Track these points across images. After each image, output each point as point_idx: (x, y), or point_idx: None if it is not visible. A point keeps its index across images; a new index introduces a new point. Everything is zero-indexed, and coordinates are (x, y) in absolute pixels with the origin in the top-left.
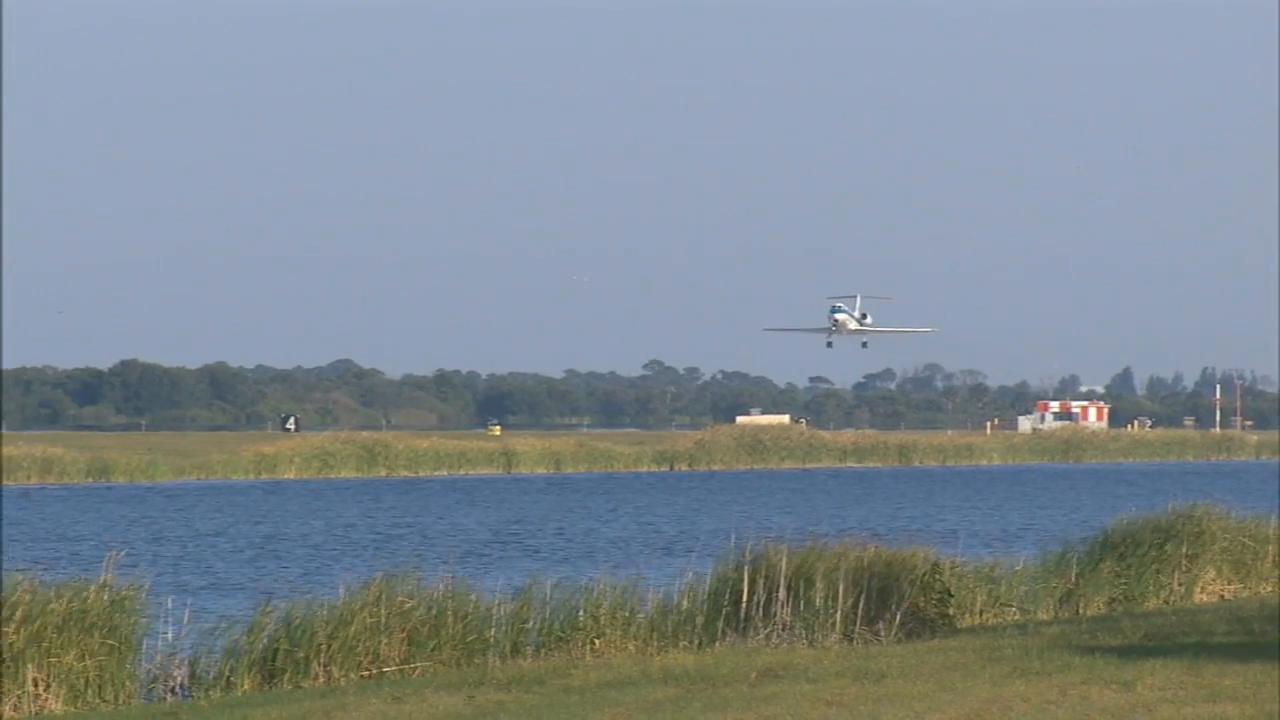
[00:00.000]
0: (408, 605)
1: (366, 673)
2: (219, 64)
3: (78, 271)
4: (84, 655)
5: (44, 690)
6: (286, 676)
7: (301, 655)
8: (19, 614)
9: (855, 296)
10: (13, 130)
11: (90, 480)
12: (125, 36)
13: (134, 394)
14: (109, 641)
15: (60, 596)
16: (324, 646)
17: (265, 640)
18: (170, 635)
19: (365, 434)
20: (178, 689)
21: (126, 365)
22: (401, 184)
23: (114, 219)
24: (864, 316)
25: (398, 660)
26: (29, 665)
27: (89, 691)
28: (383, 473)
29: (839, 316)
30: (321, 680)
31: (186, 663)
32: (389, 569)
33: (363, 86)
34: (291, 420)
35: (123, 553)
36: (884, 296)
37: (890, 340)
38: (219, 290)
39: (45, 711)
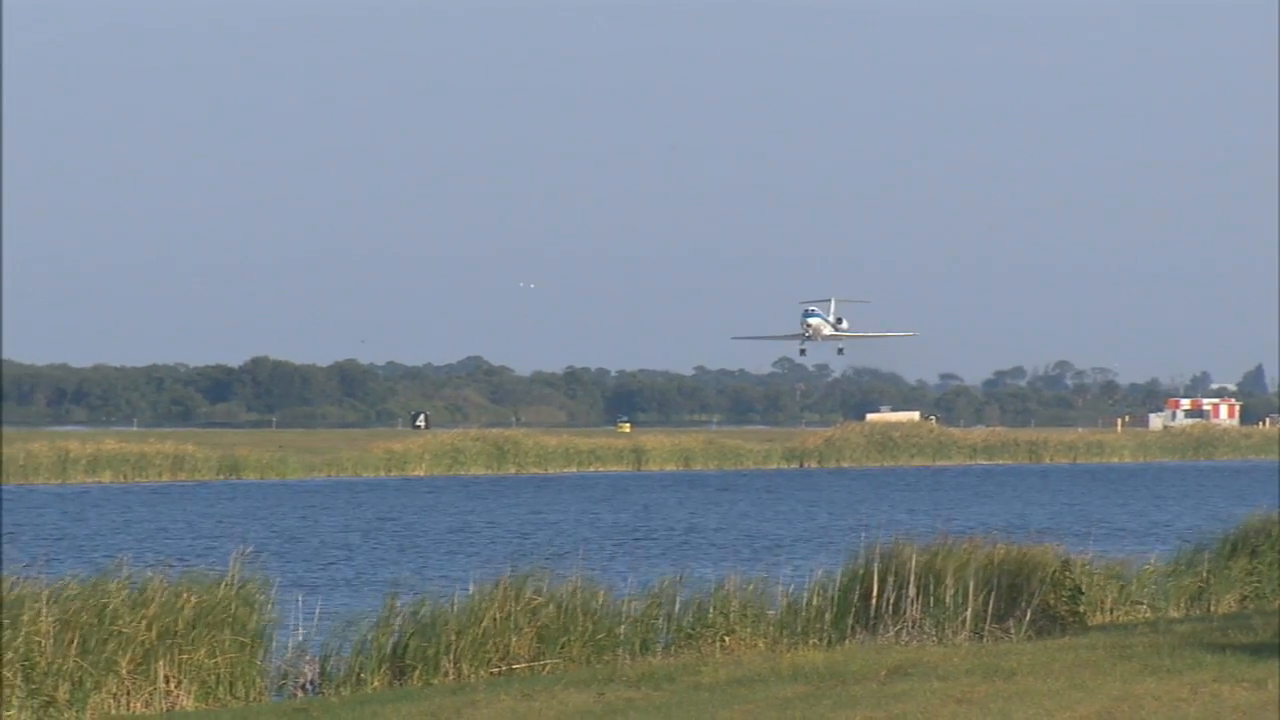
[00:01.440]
0: (537, 602)
1: (496, 669)
2: (341, 58)
3: (211, 270)
4: (215, 652)
5: (175, 687)
6: (416, 673)
7: (431, 652)
8: (151, 610)
9: (829, 300)
10: (141, 132)
11: (221, 477)
12: (224, 36)
13: (265, 391)
14: (239, 638)
15: (191, 593)
16: (454, 643)
17: (395, 637)
18: (300, 632)
19: (495, 431)
20: (308, 686)
21: (257, 362)
22: (533, 181)
23: (245, 218)
24: (839, 321)
25: (527, 657)
26: (160, 662)
27: (220, 688)
28: (512, 470)
29: (812, 321)
30: (451, 677)
31: (317, 659)
32: (519, 566)
33: (480, 83)
34: (421, 417)
35: (250, 549)
36: (861, 299)
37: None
38: (350, 287)
39: (177, 708)
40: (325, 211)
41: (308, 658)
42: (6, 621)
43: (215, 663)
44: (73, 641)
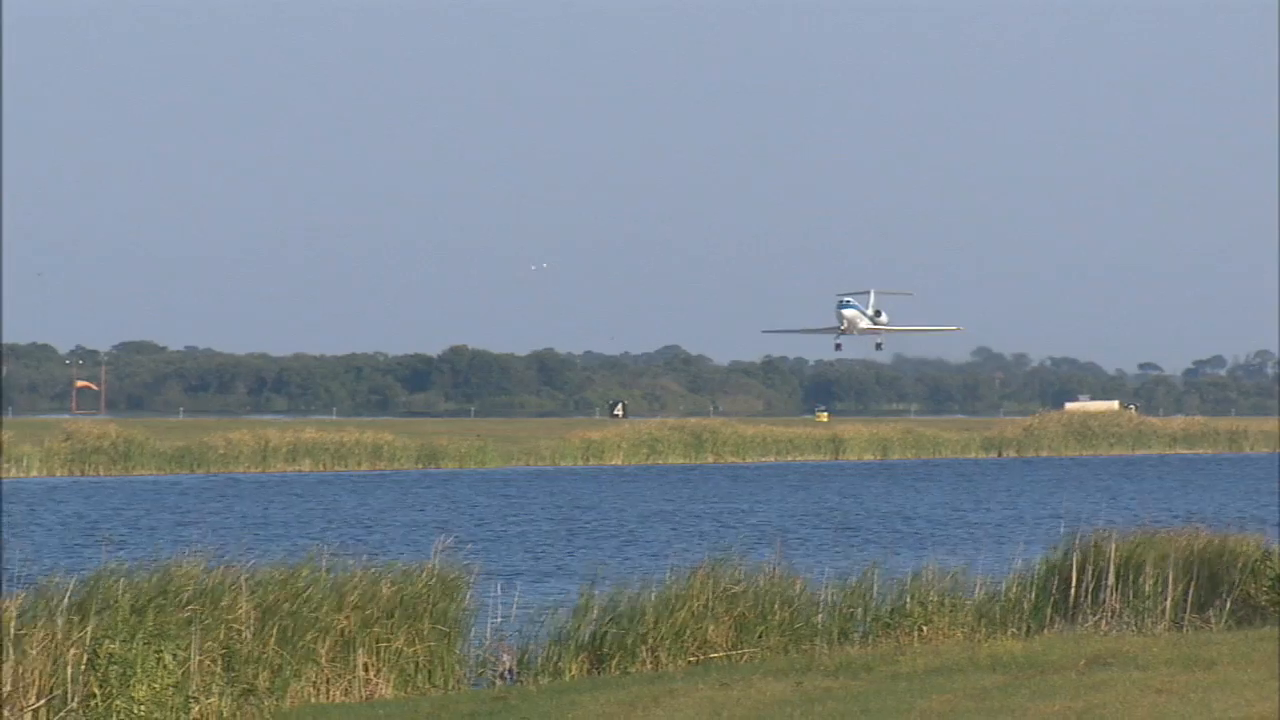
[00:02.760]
0: (734, 591)
1: (694, 659)
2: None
3: (410, 259)
4: (414, 640)
5: (374, 675)
6: (614, 662)
7: (629, 641)
8: (351, 599)
9: (869, 292)
10: (331, 120)
11: (420, 466)
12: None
13: (463, 380)
14: (438, 627)
15: (391, 581)
16: (651, 632)
17: (592, 626)
18: (498, 620)
19: (693, 420)
20: (506, 674)
21: (456, 352)
22: (731, 175)
23: (443, 207)
24: (878, 314)
25: (725, 646)
26: (359, 650)
27: (418, 676)
28: (709, 459)
29: (846, 313)
30: (649, 666)
31: (515, 648)
32: (716, 554)
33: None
34: (619, 406)
35: (450, 538)
36: (903, 291)
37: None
38: (548, 277)
39: (376, 697)
40: (524, 200)
41: (506, 646)
42: (206, 608)
43: (414, 651)
44: (272, 630)
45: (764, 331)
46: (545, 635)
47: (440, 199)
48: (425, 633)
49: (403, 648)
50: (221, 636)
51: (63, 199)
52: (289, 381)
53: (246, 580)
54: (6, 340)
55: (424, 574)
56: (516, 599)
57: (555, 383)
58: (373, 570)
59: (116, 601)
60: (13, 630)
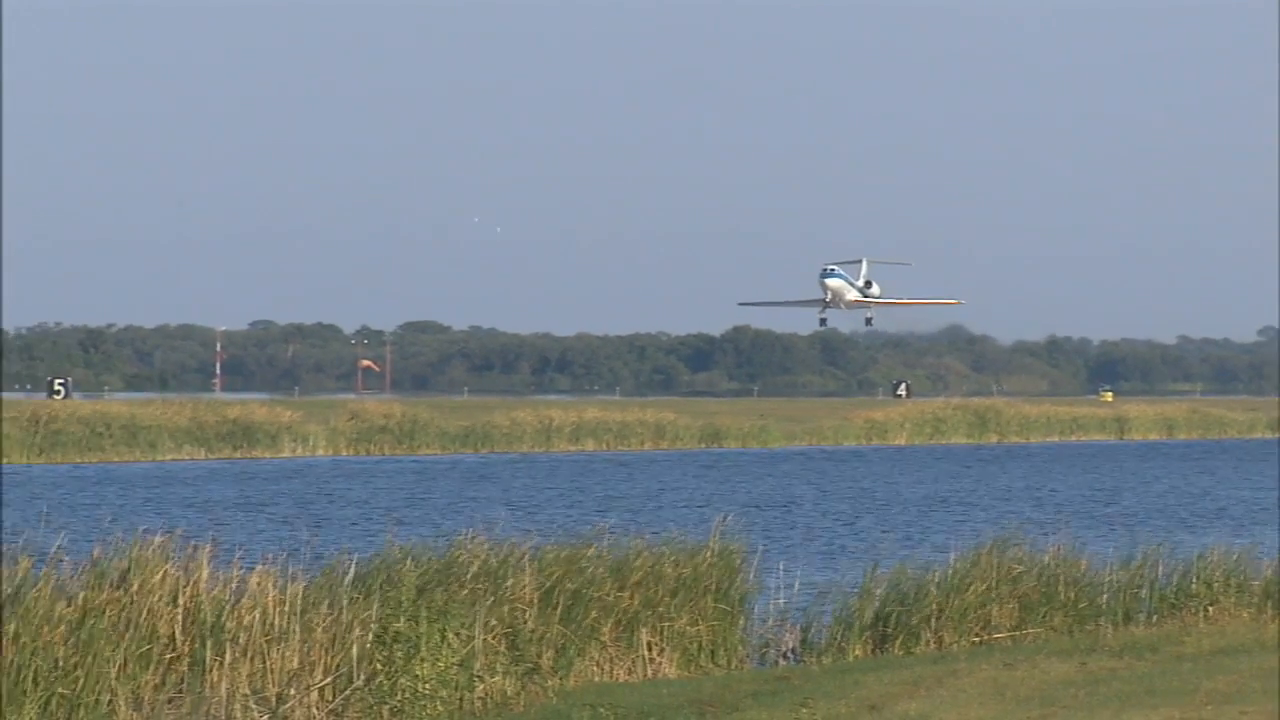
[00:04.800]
0: (1018, 571)
1: (977, 639)
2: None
3: (692, 239)
4: (696, 619)
5: (658, 654)
6: (898, 642)
7: (913, 621)
8: (634, 578)
9: (860, 261)
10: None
11: (702, 446)
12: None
13: (746, 360)
14: (721, 606)
15: (673, 560)
16: (935, 612)
17: (876, 605)
18: (781, 599)
19: (976, 400)
20: (789, 654)
21: (739, 331)
22: (1020, 143)
23: (725, 187)
24: (868, 285)
25: (1009, 627)
26: (643, 629)
27: (701, 656)
28: (993, 438)
29: (830, 283)
30: (932, 646)
31: (798, 627)
32: (1000, 534)
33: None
34: (903, 386)
35: (728, 516)
36: (902, 261)
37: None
38: (831, 254)
39: (659, 676)
40: (803, 180)
41: (789, 626)
42: (489, 589)
43: (697, 630)
44: (556, 609)
45: (740, 304)
46: (828, 615)
47: (725, 179)
48: (708, 612)
49: (686, 627)
50: (505, 615)
51: (350, 177)
52: (572, 361)
53: (530, 559)
54: (294, 319)
55: (706, 552)
56: (799, 578)
57: (838, 362)
58: (655, 549)
59: (402, 580)
60: (299, 608)
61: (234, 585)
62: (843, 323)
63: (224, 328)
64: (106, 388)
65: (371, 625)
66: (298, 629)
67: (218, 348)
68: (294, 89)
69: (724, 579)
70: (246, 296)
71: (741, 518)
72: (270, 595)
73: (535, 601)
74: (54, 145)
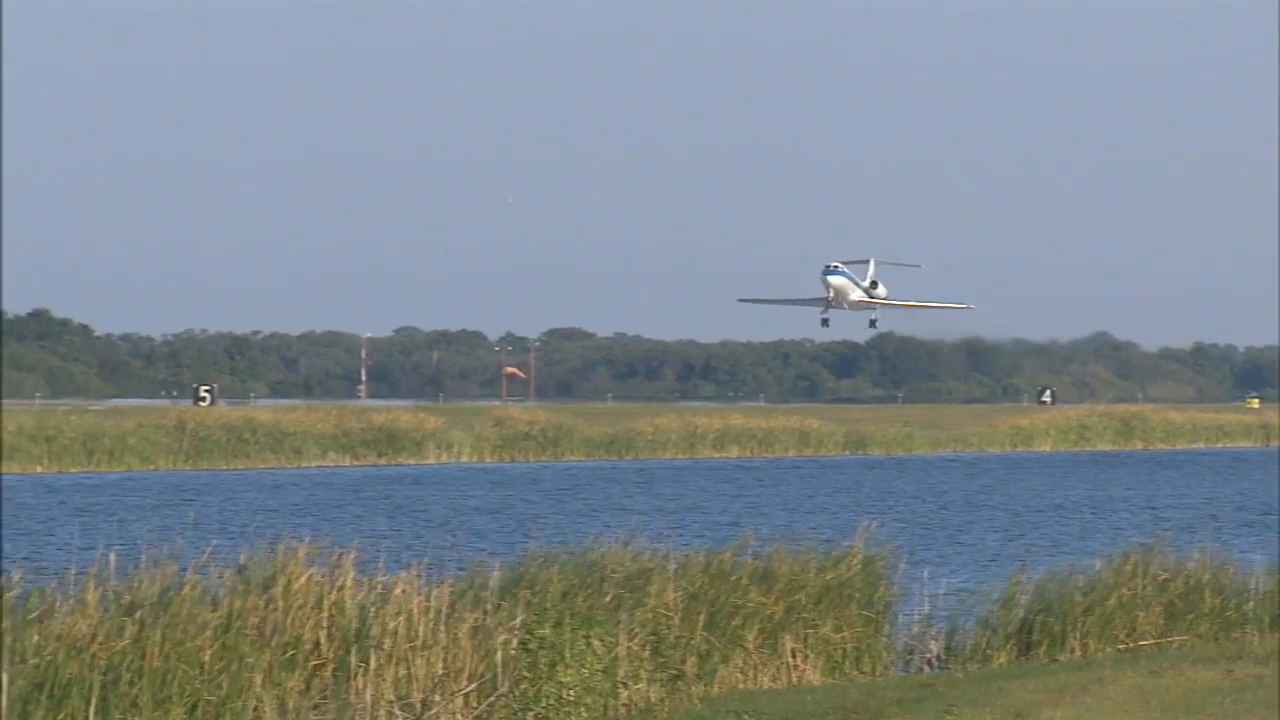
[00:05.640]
0: (1164, 578)
1: (1122, 646)
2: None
3: (829, 247)
4: (841, 626)
5: (802, 661)
6: (1042, 649)
7: (1058, 628)
8: (778, 585)
9: (868, 261)
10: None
11: (846, 453)
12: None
13: (891, 366)
14: (865, 613)
15: (817, 567)
16: (1081, 619)
17: (1020, 612)
18: (925, 606)
19: (1121, 407)
20: (933, 661)
21: (884, 338)
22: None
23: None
24: (874, 285)
25: (1154, 634)
26: (786, 636)
27: (845, 662)
28: (1139, 446)
29: (833, 281)
30: (1077, 653)
31: (942, 634)
32: (1146, 541)
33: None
34: (1048, 393)
35: (876, 523)
36: (911, 264)
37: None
38: (978, 260)
39: (803, 682)
40: (929, 194)
41: (933, 632)
42: (633, 595)
43: (841, 637)
44: (700, 616)
45: (740, 300)
46: (973, 622)
47: (860, 189)
48: (852, 619)
49: (829, 634)
50: (649, 622)
51: (497, 184)
52: (717, 368)
53: (674, 566)
54: (439, 326)
55: (850, 559)
56: (943, 585)
57: (983, 369)
58: (800, 555)
59: (546, 587)
60: (443, 614)
61: (378, 591)
62: (846, 324)
63: (369, 334)
64: (252, 394)
65: (516, 631)
66: (443, 635)
67: (363, 354)
68: (444, 92)
69: (868, 585)
70: (392, 303)
71: (886, 524)
72: (415, 601)
73: (679, 608)
74: (203, 152)
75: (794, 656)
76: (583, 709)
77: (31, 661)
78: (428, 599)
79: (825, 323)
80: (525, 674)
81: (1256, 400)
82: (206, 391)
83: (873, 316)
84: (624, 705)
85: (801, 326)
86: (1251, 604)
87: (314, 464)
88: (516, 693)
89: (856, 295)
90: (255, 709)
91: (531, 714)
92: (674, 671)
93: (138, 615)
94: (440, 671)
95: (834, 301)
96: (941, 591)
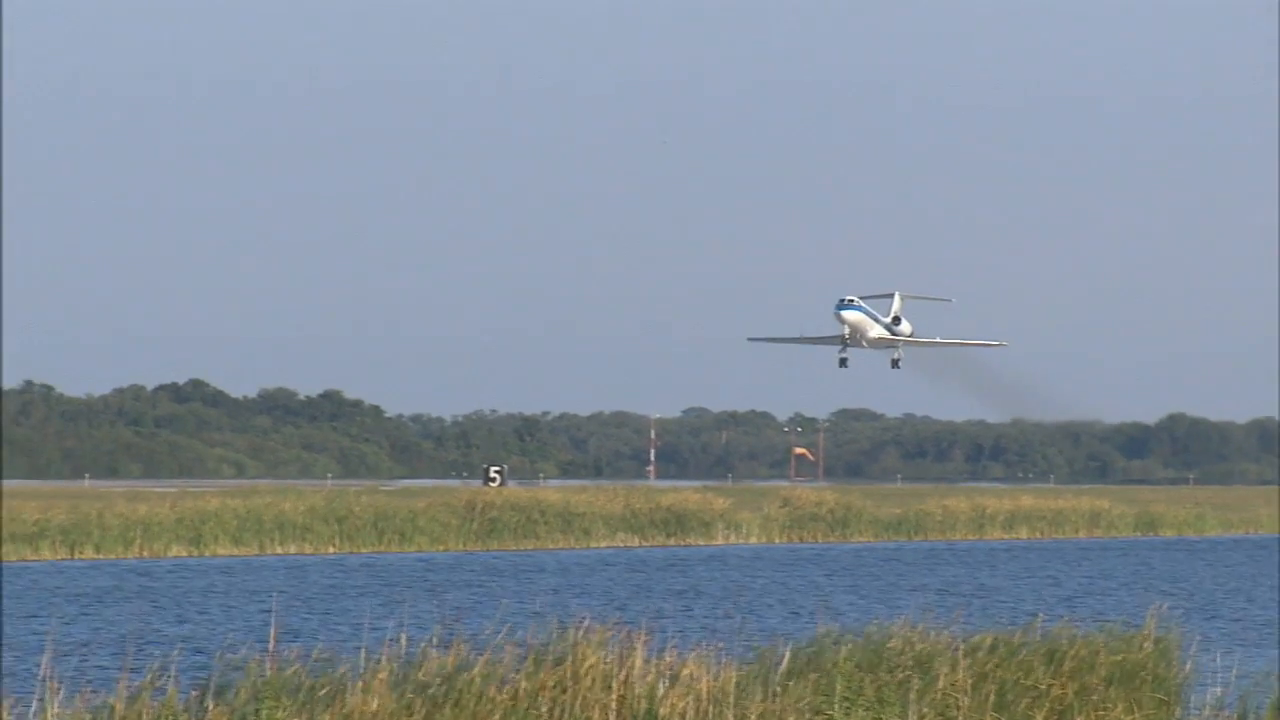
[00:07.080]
0: None
1: None
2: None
3: (1131, 326)
4: (1132, 708)
5: None
6: None
7: None
8: (1067, 666)
9: (892, 295)
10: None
11: (1137, 534)
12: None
13: (1182, 448)
14: (1157, 694)
15: (1106, 648)
16: None
17: None
18: (1218, 689)
19: None
20: None
21: (1174, 419)
22: None
23: (1151, 272)
24: (896, 321)
25: None
26: (1078, 718)
27: None
28: None
29: (848, 316)
30: None
31: (1234, 716)
32: None
33: None
34: None
35: (1166, 605)
36: (942, 298)
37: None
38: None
39: None
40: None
41: (1225, 715)
42: (922, 677)
43: (1133, 719)
44: (988, 698)
45: (749, 339)
46: (1264, 705)
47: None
48: (1144, 701)
49: (1121, 715)
50: (937, 704)
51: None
52: (1006, 449)
53: (962, 646)
54: (727, 407)
55: (1140, 639)
56: (1235, 667)
57: (1276, 450)
58: (1089, 636)
59: (836, 667)
60: (731, 696)
61: (668, 672)
62: (867, 363)
63: (658, 415)
64: (541, 475)
65: (805, 715)
66: (731, 716)
67: (651, 434)
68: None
69: (1161, 667)
70: (680, 384)
71: (1177, 605)
72: (704, 682)
73: (969, 689)
74: (496, 238)
75: None
76: None
77: None
78: (716, 679)
79: (843, 363)
80: None
81: None
82: (496, 472)
83: (895, 355)
84: None
85: (1090, 406)
86: None
87: (603, 544)
88: None
89: (876, 332)
90: None
91: None
92: None
93: (429, 692)
94: None
95: (851, 339)
96: (1235, 672)
